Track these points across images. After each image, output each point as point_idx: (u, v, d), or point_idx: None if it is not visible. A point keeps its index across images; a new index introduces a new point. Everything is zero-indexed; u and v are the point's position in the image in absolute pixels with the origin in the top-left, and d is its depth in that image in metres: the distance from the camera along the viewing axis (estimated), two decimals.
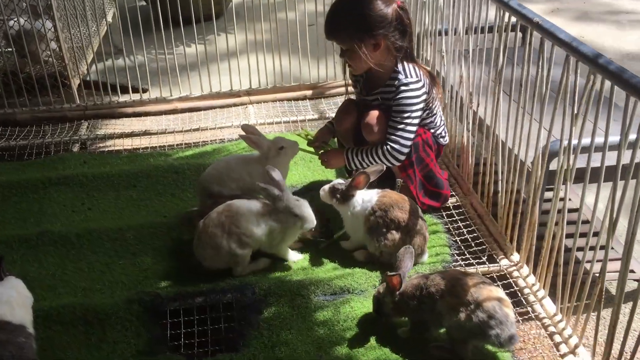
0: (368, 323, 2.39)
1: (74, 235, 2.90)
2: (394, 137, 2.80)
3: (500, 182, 2.84)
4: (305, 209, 2.60)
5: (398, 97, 2.77)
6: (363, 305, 2.47)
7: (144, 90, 4.62)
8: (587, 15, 6.51)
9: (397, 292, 2.27)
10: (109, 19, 5.39)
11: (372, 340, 2.33)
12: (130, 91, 4.50)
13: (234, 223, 2.58)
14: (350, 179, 2.70)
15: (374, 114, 2.82)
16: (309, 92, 4.36)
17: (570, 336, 2.29)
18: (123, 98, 4.38)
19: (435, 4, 3.35)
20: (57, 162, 3.60)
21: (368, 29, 2.73)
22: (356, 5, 2.75)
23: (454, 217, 3.03)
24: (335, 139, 3.21)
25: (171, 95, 4.36)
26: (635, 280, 2.71)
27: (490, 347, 2.25)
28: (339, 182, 2.73)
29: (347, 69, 3.05)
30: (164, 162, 3.55)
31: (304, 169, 3.46)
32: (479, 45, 2.93)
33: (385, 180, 2.91)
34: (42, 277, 2.69)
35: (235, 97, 4.35)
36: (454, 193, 3.16)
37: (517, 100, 2.57)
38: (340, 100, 4.29)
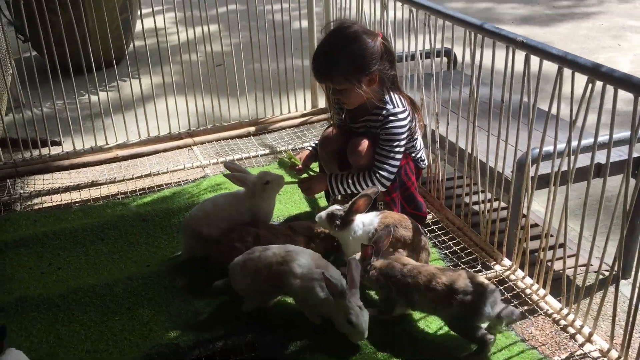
0: (395, 335, 2.44)
1: (57, 297, 2.68)
2: (382, 165, 2.88)
3: (479, 194, 3.03)
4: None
5: (387, 126, 2.86)
6: (388, 321, 2.50)
7: (56, 143, 4.36)
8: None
9: (370, 263, 2.49)
10: (10, 71, 5.08)
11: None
12: (47, 145, 4.24)
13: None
14: (349, 204, 2.74)
15: (363, 142, 2.89)
16: (252, 129, 4.36)
17: (581, 326, 2.46)
18: (54, 151, 4.13)
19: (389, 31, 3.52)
20: (5, 224, 3.31)
21: (364, 68, 2.79)
22: (347, 47, 2.78)
23: (436, 232, 3.16)
24: (318, 164, 3.24)
25: (107, 143, 4.17)
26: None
27: (517, 347, 2.38)
28: (336, 207, 2.77)
29: (330, 96, 3.10)
30: (127, 211, 3.37)
31: (277, 203, 3.43)
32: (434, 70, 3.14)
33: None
34: (37, 346, 2.45)
35: (177, 140, 4.24)
36: (428, 210, 3.30)
37: (486, 116, 2.78)
38: (285, 133, 4.35)
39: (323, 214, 2.78)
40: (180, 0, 4.10)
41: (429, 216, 3.26)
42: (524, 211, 2.67)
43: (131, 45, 6.17)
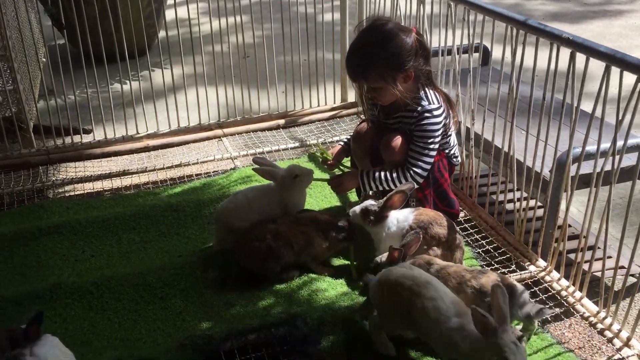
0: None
1: (90, 285, 2.70)
2: (416, 161, 2.86)
3: (514, 193, 2.99)
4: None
5: (421, 123, 2.83)
6: None
7: (87, 131, 4.40)
8: None
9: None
10: (43, 58, 5.12)
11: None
12: (79, 133, 4.29)
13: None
14: (384, 199, 2.71)
15: (397, 138, 2.86)
16: (281, 121, 4.35)
17: (619, 330, 2.42)
18: (86, 139, 4.15)
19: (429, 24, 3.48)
20: (39, 211, 3.33)
21: (400, 65, 2.77)
22: (382, 45, 2.76)
23: (469, 230, 3.12)
24: (349, 159, 3.22)
25: (138, 133, 4.18)
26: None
27: (553, 349, 2.35)
28: (370, 203, 2.75)
29: (363, 93, 3.07)
30: (158, 201, 3.38)
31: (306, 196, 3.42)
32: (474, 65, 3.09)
33: None
34: (71, 333, 2.47)
35: (207, 131, 4.24)
36: (461, 208, 3.26)
37: (526, 114, 2.74)
38: (314, 126, 4.33)
39: (357, 208, 2.76)
40: None
41: (461, 214, 3.22)
42: (562, 212, 2.63)
43: (162, 33, 6.25)
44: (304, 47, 4.30)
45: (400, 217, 2.72)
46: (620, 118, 2.24)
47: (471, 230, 3.12)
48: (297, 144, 4.07)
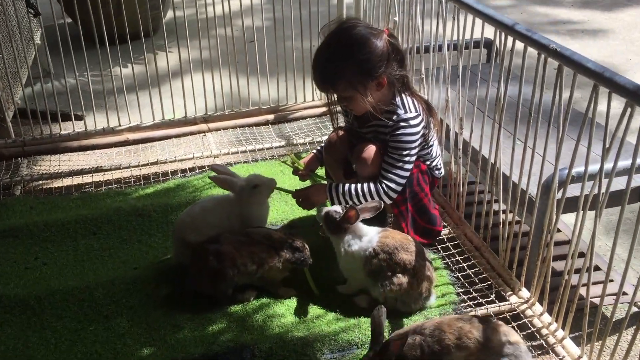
0: None
1: (33, 299, 2.53)
2: (390, 175, 2.60)
3: (500, 214, 2.71)
4: None
5: (396, 133, 2.57)
6: None
7: (78, 117, 4.23)
8: (531, 26, 6.57)
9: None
10: (37, 40, 4.95)
11: None
12: (70, 119, 4.13)
13: None
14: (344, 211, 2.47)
15: (371, 149, 2.61)
16: (270, 117, 4.11)
17: None
18: (65, 130, 3.98)
19: (413, 24, 3.19)
20: (0, 210, 3.18)
21: (370, 72, 2.50)
22: (351, 51, 2.49)
23: (450, 249, 2.86)
24: (323, 168, 2.98)
25: (119, 125, 3.99)
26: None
27: None
28: (336, 209, 2.50)
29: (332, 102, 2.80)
30: (125, 204, 3.20)
31: (281, 203, 3.20)
32: (464, 64, 2.80)
33: (375, 217, 2.69)
34: (2, 353, 2.30)
35: (192, 125, 4.03)
36: (445, 224, 2.99)
37: (515, 125, 2.44)
38: (304, 123, 4.10)
39: (323, 209, 2.52)
40: None
41: (446, 231, 2.96)
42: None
43: (169, 15, 6.03)
44: (304, 33, 4.03)
45: (364, 237, 2.47)
46: (607, 146, 1.94)
47: (453, 250, 2.85)
48: (283, 143, 3.83)
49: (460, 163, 2.96)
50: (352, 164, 2.70)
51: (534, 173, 2.48)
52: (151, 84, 3.97)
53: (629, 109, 1.84)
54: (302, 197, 2.72)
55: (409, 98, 2.63)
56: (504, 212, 2.72)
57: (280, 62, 4.12)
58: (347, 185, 2.64)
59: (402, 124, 2.56)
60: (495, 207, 2.81)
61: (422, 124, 2.61)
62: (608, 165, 1.99)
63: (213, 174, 3.40)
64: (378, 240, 2.44)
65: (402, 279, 2.39)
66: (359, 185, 2.63)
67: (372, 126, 2.68)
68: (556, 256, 2.70)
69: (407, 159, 2.59)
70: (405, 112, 2.58)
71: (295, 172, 2.86)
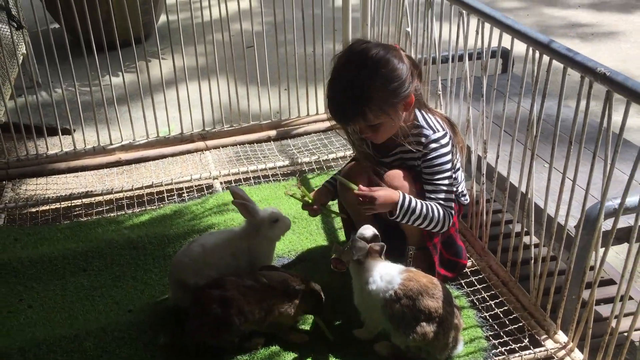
0: None
1: (16, 352, 2.26)
2: (443, 201, 2.38)
3: (532, 248, 2.46)
4: None
5: (429, 157, 2.35)
6: None
7: (67, 132, 3.94)
8: (540, 30, 6.34)
9: None
10: (23, 50, 4.68)
11: None
12: (57, 134, 3.84)
13: None
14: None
15: (398, 175, 2.37)
16: (272, 133, 3.85)
17: None
18: (52, 148, 3.71)
19: (429, 34, 2.94)
20: None
21: (399, 92, 2.25)
22: (375, 74, 2.22)
23: (475, 285, 2.62)
24: (336, 202, 2.71)
25: (111, 144, 3.73)
26: None
27: None
28: (362, 241, 2.26)
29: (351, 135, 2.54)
30: (118, 235, 2.94)
31: (288, 233, 2.94)
32: (486, 79, 2.55)
33: (394, 248, 2.43)
34: None
35: (188, 143, 3.77)
36: (468, 255, 2.75)
37: (552, 153, 2.20)
38: (309, 139, 3.84)
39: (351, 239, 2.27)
40: None
41: (468, 263, 2.71)
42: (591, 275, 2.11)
43: (161, 19, 5.76)
44: (306, 38, 3.78)
45: (385, 276, 2.22)
46: None
47: (478, 286, 2.61)
48: (287, 162, 3.57)
49: (484, 189, 2.71)
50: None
51: (572, 204, 2.23)
52: (144, 94, 3.70)
53: None
54: (368, 198, 2.33)
55: (430, 116, 2.41)
56: (536, 246, 2.47)
57: (282, 69, 3.86)
58: (414, 202, 2.34)
59: (433, 145, 2.35)
60: (525, 239, 2.56)
61: (451, 142, 2.39)
62: None
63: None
64: (400, 282, 2.19)
65: (426, 329, 2.13)
66: (429, 205, 2.36)
67: (397, 153, 2.44)
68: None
69: (447, 181, 2.38)
70: (434, 132, 2.36)
71: (305, 206, 2.59)
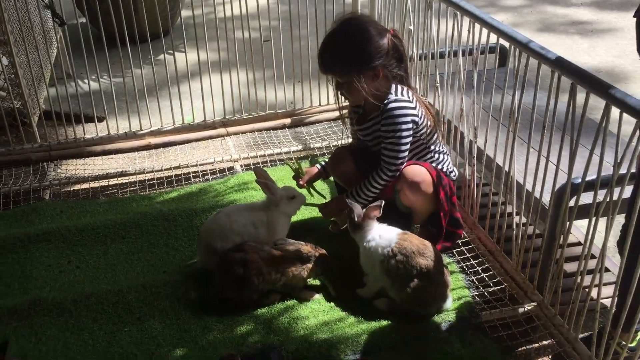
0: None
1: (70, 302, 2.66)
2: (390, 160, 2.79)
3: (513, 217, 2.82)
4: None
5: (387, 115, 2.75)
6: None
7: (100, 119, 4.34)
8: (542, 26, 6.65)
9: None
10: (57, 43, 5.08)
11: None
12: (93, 121, 4.24)
13: None
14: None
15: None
16: (287, 121, 4.23)
17: None
18: (88, 132, 4.11)
19: (428, 33, 3.30)
20: (32, 214, 3.32)
21: (366, 61, 2.70)
22: (352, 40, 2.70)
23: (465, 254, 2.98)
24: (328, 180, 3.17)
25: (141, 129, 4.12)
26: None
27: None
28: (358, 210, 2.66)
29: (343, 105, 2.99)
30: (150, 208, 3.33)
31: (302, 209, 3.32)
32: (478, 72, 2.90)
33: (400, 224, 2.83)
34: (44, 355, 2.44)
35: (211, 129, 4.15)
36: None
37: (529, 137, 2.56)
38: (320, 127, 4.20)
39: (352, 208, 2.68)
40: None
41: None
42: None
43: (184, 13, 6.15)
44: (318, 32, 4.12)
45: (384, 235, 2.61)
46: (618, 161, 2.05)
47: (468, 255, 2.97)
48: (300, 147, 3.95)
49: (474, 170, 3.07)
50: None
51: (548, 181, 2.58)
52: (170, 84, 4.08)
53: (638, 130, 1.95)
54: (326, 211, 2.93)
55: (405, 89, 2.81)
56: (517, 217, 2.83)
57: (296, 62, 4.23)
58: (357, 186, 2.85)
59: (393, 104, 2.74)
60: (508, 211, 2.92)
61: (414, 111, 2.76)
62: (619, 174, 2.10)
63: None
64: (397, 242, 2.57)
65: (418, 283, 2.51)
66: (365, 181, 2.83)
67: (371, 119, 2.86)
68: (568, 258, 2.81)
69: (401, 140, 2.75)
70: (396, 96, 2.77)
71: (296, 177, 3.05)
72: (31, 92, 4.02)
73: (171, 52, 5.49)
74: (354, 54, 2.71)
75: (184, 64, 4.10)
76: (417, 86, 3.53)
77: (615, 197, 2.13)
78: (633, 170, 2.10)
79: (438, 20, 3.24)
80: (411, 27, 3.49)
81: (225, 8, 4.01)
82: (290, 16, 4.07)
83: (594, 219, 2.26)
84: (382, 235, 2.62)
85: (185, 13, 6.61)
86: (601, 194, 2.21)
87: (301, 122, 4.23)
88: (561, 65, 2.26)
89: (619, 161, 2.05)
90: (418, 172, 2.79)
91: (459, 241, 3.05)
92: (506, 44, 2.66)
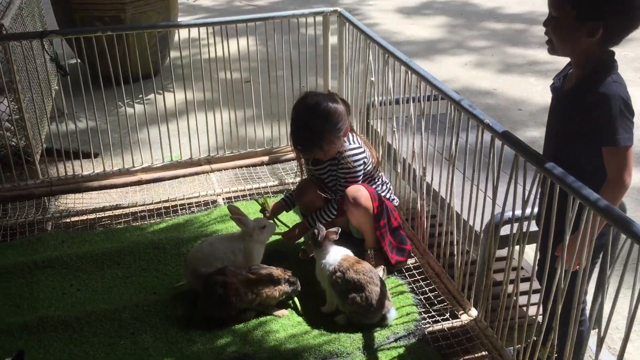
0: None
1: (73, 319, 3.09)
2: (341, 188, 3.37)
3: (455, 246, 3.30)
4: None
5: (342, 162, 3.34)
6: None
7: (95, 155, 4.80)
8: (504, 67, 7.23)
9: None
10: (55, 86, 5.56)
11: None
12: (89, 157, 4.70)
13: None
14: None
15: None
16: (265, 158, 4.71)
17: None
18: (86, 171, 4.56)
19: (385, 86, 3.81)
20: (36, 244, 3.75)
21: (340, 130, 3.27)
22: (326, 123, 3.22)
23: (416, 276, 3.46)
24: (290, 212, 3.78)
25: (133, 166, 4.58)
26: None
27: None
28: (319, 232, 3.17)
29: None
30: (142, 238, 3.77)
31: (277, 237, 3.78)
32: (427, 124, 3.41)
33: (356, 250, 3.32)
34: None
35: (197, 166, 4.62)
36: (413, 254, 3.59)
37: (469, 175, 3.06)
38: (294, 164, 4.68)
39: (318, 230, 3.18)
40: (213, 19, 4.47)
41: (412, 260, 3.55)
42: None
43: (171, 56, 6.66)
44: (295, 74, 4.58)
45: (332, 255, 3.13)
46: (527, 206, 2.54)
47: (418, 277, 3.45)
48: (276, 182, 4.43)
49: (424, 203, 3.56)
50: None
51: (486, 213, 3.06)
52: (158, 122, 4.53)
53: (538, 175, 2.45)
54: (288, 237, 3.47)
55: (354, 136, 3.40)
56: (458, 244, 3.31)
57: (273, 104, 4.73)
58: (315, 213, 3.42)
59: (348, 152, 3.33)
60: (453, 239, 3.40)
61: (364, 154, 3.36)
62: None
63: (218, 210, 4.02)
64: (339, 261, 3.09)
65: (354, 295, 2.98)
66: (323, 209, 3.41)
67: (326, 163, 3.42)
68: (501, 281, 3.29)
69: (356, 179, 3.35)
70: (350, 144, 3.35)
71: (263, 212, 3.59)
72: (35, 132, 4.48)
73: (160, 92, 6.05)
74: (334, 129, 3.25)
75: (174, 104, 4.56)
76: (378, 129, 4.03)
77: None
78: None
79: (394, 73, 3.75)
80: (372, 79, 4.00)
81: (209, 50, 4.49)
82: (267, 58, 4.57)
83: (514, 247, 2.75)
84: (331, 255, 3.13)
85: (174, 54, 7.14)
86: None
87: (278, 160, 4.72)
88: (482, 122, 2.76)
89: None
90: (356, 188, 3.32)
91: (411, 265, 3.52)
92: None
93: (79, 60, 5.91)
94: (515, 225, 2.70)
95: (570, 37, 2.33)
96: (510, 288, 2.83)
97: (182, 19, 8.72)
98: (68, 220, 4.09)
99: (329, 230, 3.15)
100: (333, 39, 4.56)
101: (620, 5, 2.26)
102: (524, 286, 2.83)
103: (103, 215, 4.13)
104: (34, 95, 4.56)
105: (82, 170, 4.53)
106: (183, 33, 7.24)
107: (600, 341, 2.17)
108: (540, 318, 2.61)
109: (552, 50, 2.45)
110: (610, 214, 2.01)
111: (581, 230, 2.22)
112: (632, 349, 3.23)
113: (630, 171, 2.30)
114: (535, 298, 2.67)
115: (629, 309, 2.02)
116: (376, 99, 3.99)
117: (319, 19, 4.53)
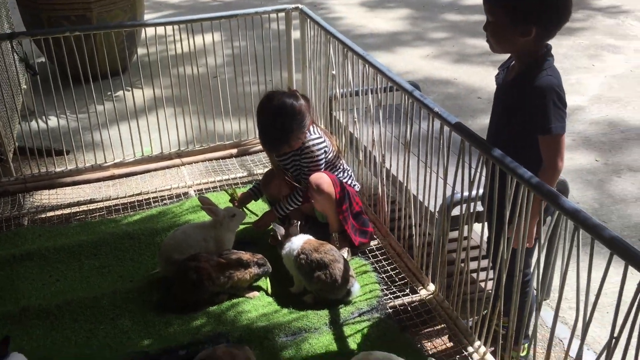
0: (327, 356, 2.97)
1: (54, 307, 3.25)
2: (305, 177, 3.58)
3: (414, 228, 3.54)
4: None
5: (306, 151, 3.55)
6: (319, 341, 3.03)
7: (67, 152, 4.93)
8: (461, 57, 7.51)
9: None
10: (23, 85, 5.66)
11: None
12: (62, 154, 4.83)
13: None
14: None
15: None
16: (234, 151, 4.89)
17: (479, 346, 2.99)
18: (59, 168, 4.69)
19: (345, 79, 4.02)
20: (14, 238, 3.88)
21: (303, 127, 3.49)
22: (291, 121, 3.43)
23: (378, 257, 3.69)
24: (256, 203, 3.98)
25: (105, 162, 4.72)
26: None
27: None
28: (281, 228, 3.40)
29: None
30: (118, 229, 3.93)
31: (248, 226, 3.97)
32: (385, 111, 3.64)
33: (322, 234, 3.55)
34: (35, 349, 3.02)
35: (168, 160, 4.78)
36: (375, 237, 3.82)
37: (423, 160, 3.29)
38: (262, 155, 4.88)
39: (278, 228, 3.39)
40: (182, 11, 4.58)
41: (375, 242, 3.78)
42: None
43: (139, 53, 6.78)
44: (261, 68, 4.72)
45: (295, 242, 3.34)
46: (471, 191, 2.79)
47: (380, 257, 3.68)
48: (245, 174, 4.62)
49: (385, 187, 3.78)
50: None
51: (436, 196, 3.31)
52: (129, 119, 4.68)
53: (481, 158, 2.69)
54: (258, 225, 3.66)
55: (314, 127, 3.61)
56: (417, 226, 3.54)
57: (240, 98, 4.91)
58: (281, 206, 3.64)
59: (309, 143, 3.54)
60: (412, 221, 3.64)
61: (324, 144, 3.58)
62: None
63: (189, 202, 4.20)
64: (302, 245, 3.30)
65: (318, 273, 3.20)
66: (290, 198, 3.62)
67: (290, 154, 3.62)
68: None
69: (313, 164, 3.56)
70: (311, 135, 3.56)
71: (232, 201, 3.80)
72: (7, 131, 4.59)
73: (129, 88, 6.16)
74: (299, 126, 3.46)
75: (143, 100, 4.70)
76: (341, 119, 4.25)
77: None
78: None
79: (353, 66, 3.97)
80: (334, 72, 4.21)
81: (176, 47, 4.64)
82: (233, 53, 4.74)
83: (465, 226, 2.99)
84: (294, 241, 3.34)
85: (141, 51, 7.26)
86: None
87: (246, 152, 4.90)
88: (432, 110, 2.99)
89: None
90: (319, 176, 3.53)
91: (374, 247, 3.75)
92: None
93: (48, 60, 6.03)
94: (465, 205, 2.94)
95: (507, 39, 2.57)
96: (467, 265, 3.08)
97: (148, 16, 8.84)
98: (44, 215, 4.22)
99: (290, 226, 3.38)
100: (296, 34, 4.75)
101: (548, 8, 2.48)
102: (483, 263, 3.07)
103: (78, 209, 4.27)
104: (4, 95, 4.66)
105: (55, 167, 4.65)
106: (150, 30, 7.39)
107: (539, 306, 2.43)
108: (491, 290, 2.86)
109: (493, 49, 2.68)
110: (540, 189, 2.26)
111: (519, 210, 2.47)
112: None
113: (563, 156, 2.55)
114: (488, 274, 2.91)
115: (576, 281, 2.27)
116: (338, 91, 4.21)
117: (282, 15, 4.71)
